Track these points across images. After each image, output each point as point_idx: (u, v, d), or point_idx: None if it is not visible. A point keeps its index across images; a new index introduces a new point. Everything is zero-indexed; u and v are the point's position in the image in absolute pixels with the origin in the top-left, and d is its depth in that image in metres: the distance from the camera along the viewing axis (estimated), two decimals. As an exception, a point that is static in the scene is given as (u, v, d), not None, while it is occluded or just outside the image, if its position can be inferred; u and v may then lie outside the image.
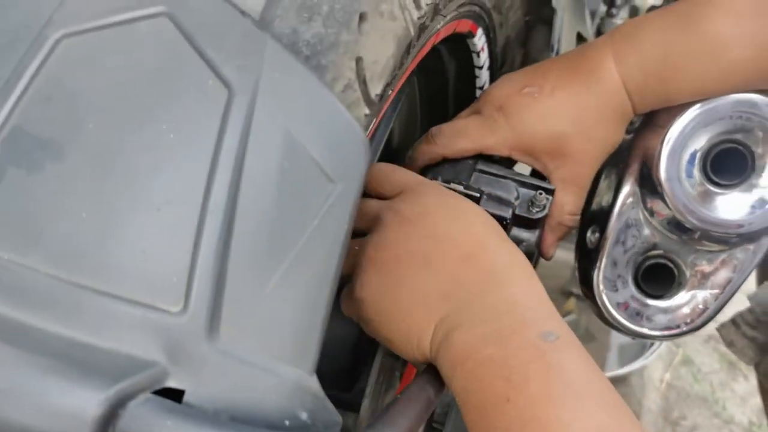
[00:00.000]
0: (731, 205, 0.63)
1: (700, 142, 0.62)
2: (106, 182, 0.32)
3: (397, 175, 0.55)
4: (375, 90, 0.39)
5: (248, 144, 0.32)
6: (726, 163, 0.63)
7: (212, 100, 0.32)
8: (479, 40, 0.74)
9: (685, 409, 1.27)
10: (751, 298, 0.79)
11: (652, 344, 1.31)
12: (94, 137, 0.32)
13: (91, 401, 0.28)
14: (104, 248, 0.31)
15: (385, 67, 0.39)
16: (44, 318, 0.30)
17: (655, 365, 1.34)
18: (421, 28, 0.47)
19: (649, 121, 0.66)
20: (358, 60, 0.37)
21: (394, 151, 0.84)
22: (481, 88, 0.80)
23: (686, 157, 0.63)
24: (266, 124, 0.32)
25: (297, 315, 0.32)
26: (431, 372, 0.45)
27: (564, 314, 1.40)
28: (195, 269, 0.31)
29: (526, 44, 0.90)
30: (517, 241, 0.62)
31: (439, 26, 0.55)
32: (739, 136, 0.61)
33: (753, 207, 0.63)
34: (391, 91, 0.46)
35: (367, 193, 0.55)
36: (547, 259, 0.66)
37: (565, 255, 0.81)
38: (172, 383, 0.30)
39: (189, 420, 0.29)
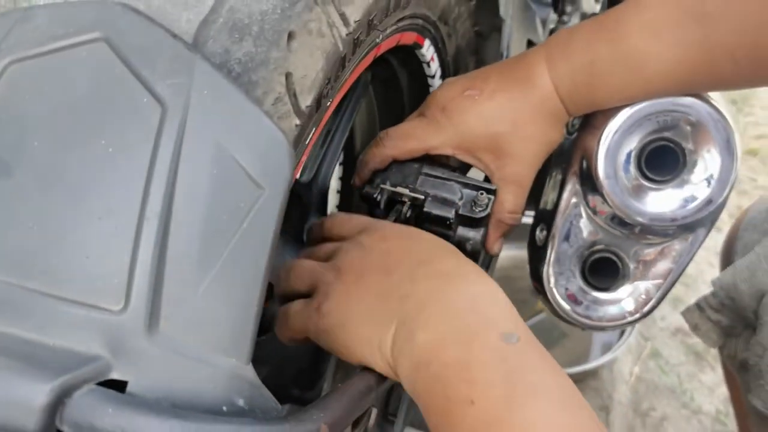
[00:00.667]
0: (666, 200, 0.67)
1: (633, 142, 0.66)
2: (52, 195, 0.35)
3: (355, 219, 0.59)
4: (305, 102, 0.42)
5: (181, 155, 0.35)
6: (661, 160, 0.67)
7: (147, 116, 0.35)
8: (427, 51, 0.77)
9: (654, 400, 1.30)
10: (714, 282, 0.82)
11: (620, 337, 1.35)
12: (39, 154, 0.35)
13: (37, 392, 0.30)
14: (51, 255, 0.34)
15: (314, 81, 0.43)
16: (-4, 320, 0.33)
17: (624, 359, 1.37)
18: (356, 43, 0.50)
19: (587, 123, 0.69)
20: (288, 75, 0.40)
21: (355, 158, 0.87)
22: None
23: (622, 156, 0.67)
24: (197, 136, 0.35)
25: (231, 310, 0.35)
26: None
27: (535, 314, 1.44)
28: (134, 271, 0.34)
29: (479, 52, 0.94)
30: (464, 240, 0.65)
31: (378, 40, 0.59)
32: (668, 134, 0.65)
33: (686, 201, 0.66)
34: (329, 102, 0.49)
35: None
36: (493, 254, 0.70)
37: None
38: (115, 375, 0.33)
39: (129, 407, 0.32)
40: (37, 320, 0.33)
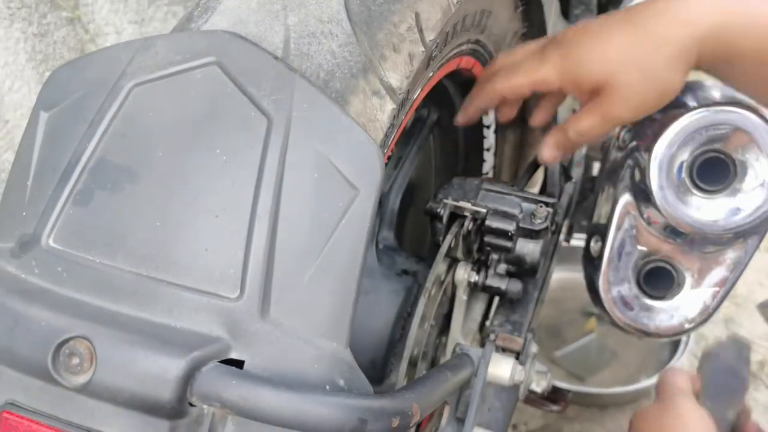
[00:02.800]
0: (718, 209, 0.69)
1: (685, 154, 0.69)
2: (174, 197, 0.39)
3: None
4: (429, 36, 0.50)
5: (286, 161, 0.39)
6: (712, 171, 0.69)
7: (255, 127, 0.40)
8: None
9: (709, 420, 1.29)
10: None
11: (672, 356, 1.35)
12: (162, 162, 0.40)
13: (173, 366, 0.35)
14: (174, 249, 0.38)
15: (435, 25, 0.51)
16: (130, 306, 0.37)
17: (677, 379, 1.37)
18: (454, 28, 0.58)
19: (638, 136, 0.73)
20: (417, 14, 0.49)
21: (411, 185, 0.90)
22: (488, 149, 0.89)
23: (675, 167, 0.69)
24: (299, 144, 0.40)
25: (332, 297, 0.39)
26: (453, 360, 0.52)
27: (585, 334, 1.45)
28: (248, 263, 0.38)
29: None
30: (523, 253, 0.68)
31: (463, 47, 0.64)
32: (719, 145, 0.68)
33: (738, 209, 0.69)
34: (431, 74, 0.57)
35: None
36: (541, 161, 0.70)
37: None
38: (234, 355, 0.37)
39: (248, 381, 0.36)
40: (165, 306, 0.38)
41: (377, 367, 0.70)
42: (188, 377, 0.35)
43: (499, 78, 0.66)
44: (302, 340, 0.38)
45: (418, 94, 0.58)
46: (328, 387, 0.38)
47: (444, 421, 0.60)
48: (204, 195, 0.39)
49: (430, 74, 0.60)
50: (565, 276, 1.49)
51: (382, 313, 0.70)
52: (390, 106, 0.47)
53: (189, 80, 0.41)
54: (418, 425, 0.70)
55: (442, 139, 0.91)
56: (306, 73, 0.43)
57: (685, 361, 1.39)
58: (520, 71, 0.64)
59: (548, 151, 0.68)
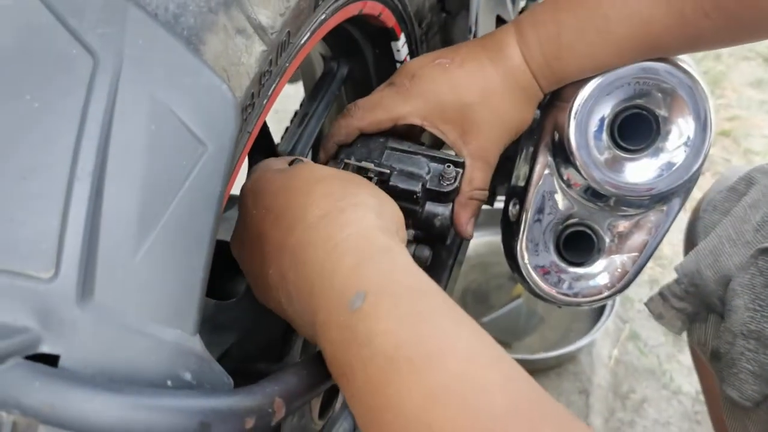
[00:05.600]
0: (641, 170, 0.65)
1: (605, 110, 0.64)
2: (-28, 155, 0.32)
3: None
4: None
5: (115, 109, 0.32)
6: (634, 129, 0.65)
7: (77, 68, 0.32)
8: (402, 48, 0.75)
9: (633, 382, 1.29)
10: (677, 269, 0.80)
11: (598, 320, 1.33)
12: (-41, 112, 0.32)
13: (-47, 366, 0.28)
14: (-30, 220, 0.31)
15: None
16: None
17: (603, 342, 1.36)
18: None
19: (557, 94, 0.67)
20: None
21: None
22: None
23: (594, 125, 0.65)
24: (132, 89, 0.33)
25: (174, 276, 0.32)
26: None
27: (512, 299, 1.42)
28: (65, 235, 0.31)
29: (448, 32, 0.92)
30: (432, 215, 0.63)
31: None
32: (641, 101, 0.63)
33: (661, 170, 0.65)
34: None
35: None
36: (467, 238, 0.67)
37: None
38: (45, 348, 0.30)
39: (59, 380, 0.29)
40: (-43, 291, 0.30)
41: (278, 341, 0.64)
42: (-24, 380, 0.28)
43: (359, 115, 0.64)
44: (135, 327, 0.31)
45: (308, 39, 0.51)
46: (170, 383, 0.32)
47: (339, 404, 0.54)
48: (8, 152, 0.32)
49: (322, 17, 0.53)
50: (493, 240, 1.46)
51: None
52: (259, 47, 0.40)
53: (-5, 9, 0.33)
54: (327, 406, 0.64)
55: (355, 94, 0.84)
56: (152, 5, 0.35)
57: (610, 324, 1.38)
58: (381, 109, 0.63)
59: (469, 227, 0.65)
